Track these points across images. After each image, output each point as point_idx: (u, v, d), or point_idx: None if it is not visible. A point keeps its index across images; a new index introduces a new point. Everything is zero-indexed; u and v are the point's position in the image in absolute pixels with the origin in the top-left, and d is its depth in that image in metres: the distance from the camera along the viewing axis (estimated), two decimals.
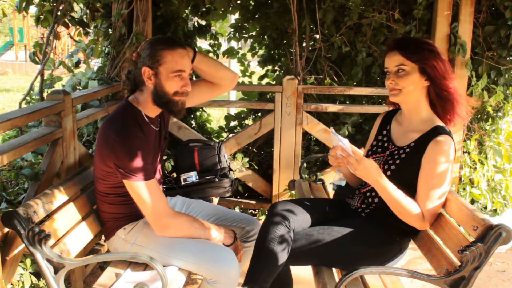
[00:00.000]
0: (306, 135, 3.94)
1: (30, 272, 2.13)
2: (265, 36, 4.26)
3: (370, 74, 3.87)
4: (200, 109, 4.36)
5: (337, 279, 1.89)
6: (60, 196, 1.93)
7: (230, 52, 4.32)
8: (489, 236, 1.60)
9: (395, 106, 2.12)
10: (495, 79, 3.55)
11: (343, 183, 2.47)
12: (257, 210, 3.84)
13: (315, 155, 3.52)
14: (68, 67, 3.31)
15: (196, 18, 4.29)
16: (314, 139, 4.04)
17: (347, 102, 3.96)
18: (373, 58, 3.78)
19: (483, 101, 3.53)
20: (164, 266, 1.73)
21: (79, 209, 2.01)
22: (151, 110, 1.97)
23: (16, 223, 1.62)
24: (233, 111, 5.23)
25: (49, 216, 1.85)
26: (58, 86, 3.23)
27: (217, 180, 2.63)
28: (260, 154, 4.12)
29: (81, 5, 3.44)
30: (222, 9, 3.97)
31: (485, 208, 3.47)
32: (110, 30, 3.47)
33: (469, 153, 3.62)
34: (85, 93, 2.84)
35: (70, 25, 3.17)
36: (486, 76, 3.47)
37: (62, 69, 3.40)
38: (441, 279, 1.68)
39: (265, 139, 4.01)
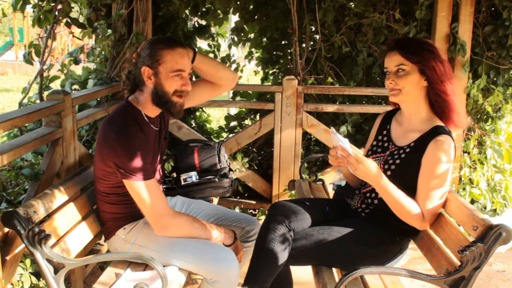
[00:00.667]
0: (306, 135, 3.94)
1: (30, 272, 2.13)
2: (264, 38, 4.24)
3: (370, 74, 3.87)
4: (200, 109, 4.36)
5: (337, 279, 1.89)
6: (60, 196, 1.93)
7: (227, 56, 4.27)
8: (489, 236, 1.60)
9: (395, 105, 2.12)
10: (494, 79, 3.55)
11: (343, 183, 2.47)
12: (257, 210, 3.84)
13: (315, 155, 3.52)
14: (64, 65, 3.31)
15: (196, 18, 4.29)
16: (314, 139, 4.04)
17: (347, 103, 3.96)
18: (374, 58, 3.78)
19: (483, 101, 3.53)
20: (164, 266, 1.73)
21: (79, 209, 2.01)
22: (151, 110, 1.97)
23: (16, 223, 1.61)
24: (233, 111, 5.23)
25: (49, 216, 1.85)
26: (56, 86, 3.23)
27: (217, 180, 2.63)
28: (260, 154, 4.12)
29: (79, 5, 3.44)
30: (222, 10, 3.97)
31: (485, 208, 3.47)
32: (109, 30, 3.47)
33: (469, 153, 3.62)
34: (85, 93, 2.84)
35: (71, 24, 3.17)
36: (486, 76, 3.47)
37: (59, 68, 3.41)
38: (441, 279, 1.68)
39: (265, 139, 4.02)
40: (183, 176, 2.64)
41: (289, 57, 3.90)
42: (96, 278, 2.68)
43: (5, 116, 2.05)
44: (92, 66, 3.65)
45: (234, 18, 5.61)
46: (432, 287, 1.75)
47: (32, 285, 2.14)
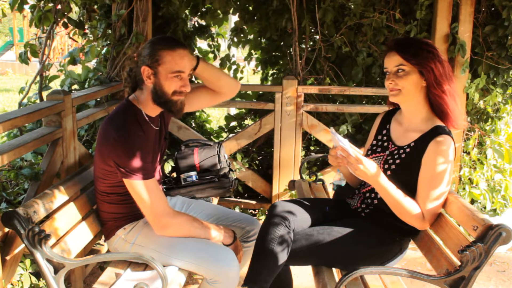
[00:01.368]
0: (306, 135, 3.94)
1: (30, 272, 2.13)
2: (264, 39, 4.24)
3: (370, 74, 3.87)
4: (200, 110, 4.36)
5: (337, 279, 1.89)
6: (60, 196, 1.93)
7: (227, 57, 4.25)
8: (489, 236, 1.60)
9: (394, 106, 2.12)
10: (494, 79, 3.55)
11: (343, 183, 2.47)
12: (257, 210, 3.84)
13: (315, 155, 3.52)
14: (62, 65, 3.31)
15: (196, 18, 4.29)
16: (314, 139, 4.04)
17: (347, 102, 3.96)
18: (373, 58, 3.78)
19: (479, 101, 3.53)
20: (164, 266, 1.74)
21: (79, 209, 2.01)
22: (152, 110, 1.97)
23: (16, 223, 1.62)
24: (233, 111, 5.23)
25: (49, 216, 1.85)
26: (55, 85, 3.23)
27: (217, 180, 2.63)
28: (260, 154, 4.13)
29: (78, 6, 3.44)
30: (222, 10, 3.97)
31: (485, 208, 3.47)
32: (109, 30, 3.47)
33: (468, 153, 3.62)
34: (85, 93, 2.83)
35: (69, 25, 3.17)
36: (485, 76, 3.47)
37: (59, 68, 3.41)
38: (441, 279, 1.68)
39: (265, 139, 4.02)
40: (183, 176, 2.64)
41: (289, 57, 3.90)
42: (96, 278, 2.68)
43: (5, 116, 2.05)
44: (91, 66, 3.65)
45: (234, 19, 5.60)
46: (432, 287, 1.75)
47: (32, 285, 2.14)
